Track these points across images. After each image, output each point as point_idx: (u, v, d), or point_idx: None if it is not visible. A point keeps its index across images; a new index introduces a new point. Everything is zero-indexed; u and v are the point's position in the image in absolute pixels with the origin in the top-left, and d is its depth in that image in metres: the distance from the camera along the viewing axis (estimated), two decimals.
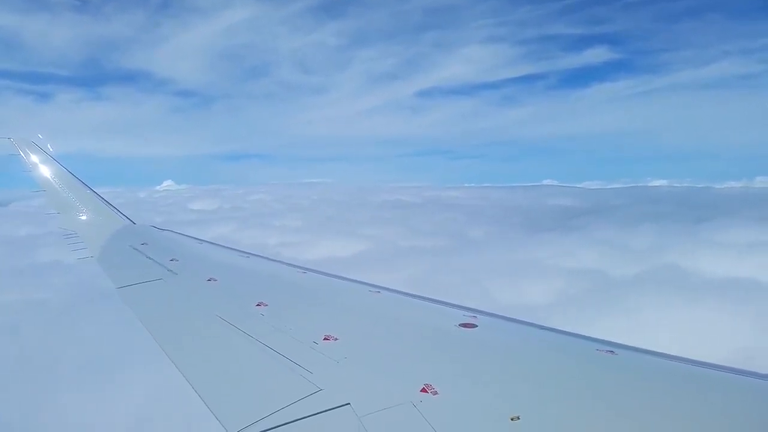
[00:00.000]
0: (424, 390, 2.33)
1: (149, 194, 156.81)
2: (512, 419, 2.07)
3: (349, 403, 2.30)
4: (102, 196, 9.64)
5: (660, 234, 53.96)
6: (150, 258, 5.88)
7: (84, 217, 8.82)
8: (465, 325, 3.24)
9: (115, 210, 9.17)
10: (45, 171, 9.74)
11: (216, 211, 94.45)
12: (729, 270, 35.74)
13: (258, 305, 3.85)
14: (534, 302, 28.81)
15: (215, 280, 4.78)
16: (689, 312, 24.95)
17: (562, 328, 3.28)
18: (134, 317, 4.01)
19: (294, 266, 5.46)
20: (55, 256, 32.00)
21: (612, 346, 2.84)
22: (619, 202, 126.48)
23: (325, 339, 3.08)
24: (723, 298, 27.51)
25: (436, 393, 2.32)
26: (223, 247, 6.93)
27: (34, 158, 9.86)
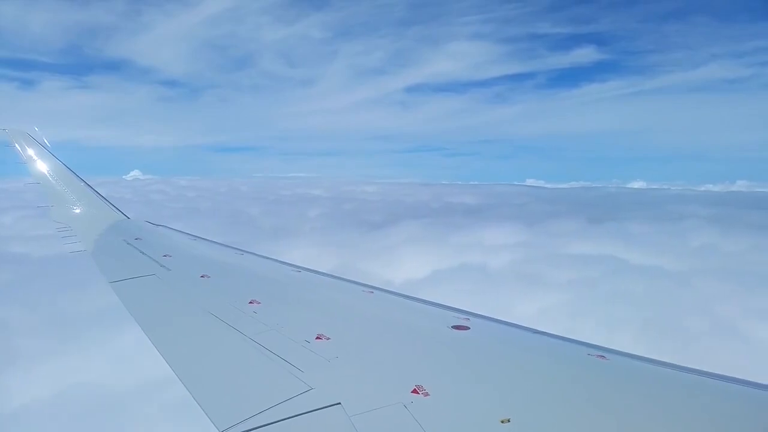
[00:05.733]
0: (415, 391, 2.32)
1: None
2: (502, 422, 2.06)
3: (339, 403, 2.29)
4: (96, 189, 9.51)
5: (444, 232, 54.01)
6: (143, 253, 5.83)
7: (78, 211, 8.64)
8: (457, 327, 3.23)
9: (110, 204, 9.02)
10: (40, 163, 9.64)
11: None
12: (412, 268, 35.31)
13: (251, 303, 3.84)
14: None
15: (208, 277, 4.75)
16: None
17: (554, 333, 3.26)
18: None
19: (287, 264, 5.44)
20: None
21: (603, 351, 2.84)
22: (524, 201, 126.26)
23: (317, 338, 3.07)
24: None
25: (427, 394, 2.31)
26: (217, 243, 6.89)
27: (30, 151, 9.78)
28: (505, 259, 38.51)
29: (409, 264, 35.74)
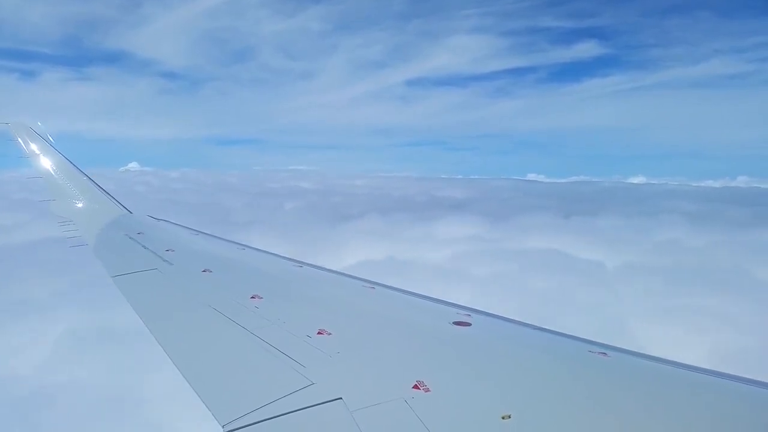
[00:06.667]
0: (416, 387, 2.34)
1: None
2: (503, 418, 2.07)
3: (341, 398, 2.31)
4: (98, 183, 9.52)
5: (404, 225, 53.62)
6: (145, 247, 5.88)
7: (80, 205, 8.72)
8: (459, 323, 3.25)
9: (112, 198, 9.03)
10: (42, 157, 9.70)
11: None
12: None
13: (252, 298, 3.87)
14: None
15: (210, 272, 4.80)
16: None
17: (555, 329, 3.27)
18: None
19: (290, 260, 5.49)
20: None
21: (605, 348, 2.86)
22: (513, 195, 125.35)
23: (318, 333, 3.09)
24: None
25: (428, 390, 2.32)
26: (219, 238, 6.97)
27: (32, 145, 9.85)
28: (443, 253, 37.94)
29: (343, 256, 35.26)
